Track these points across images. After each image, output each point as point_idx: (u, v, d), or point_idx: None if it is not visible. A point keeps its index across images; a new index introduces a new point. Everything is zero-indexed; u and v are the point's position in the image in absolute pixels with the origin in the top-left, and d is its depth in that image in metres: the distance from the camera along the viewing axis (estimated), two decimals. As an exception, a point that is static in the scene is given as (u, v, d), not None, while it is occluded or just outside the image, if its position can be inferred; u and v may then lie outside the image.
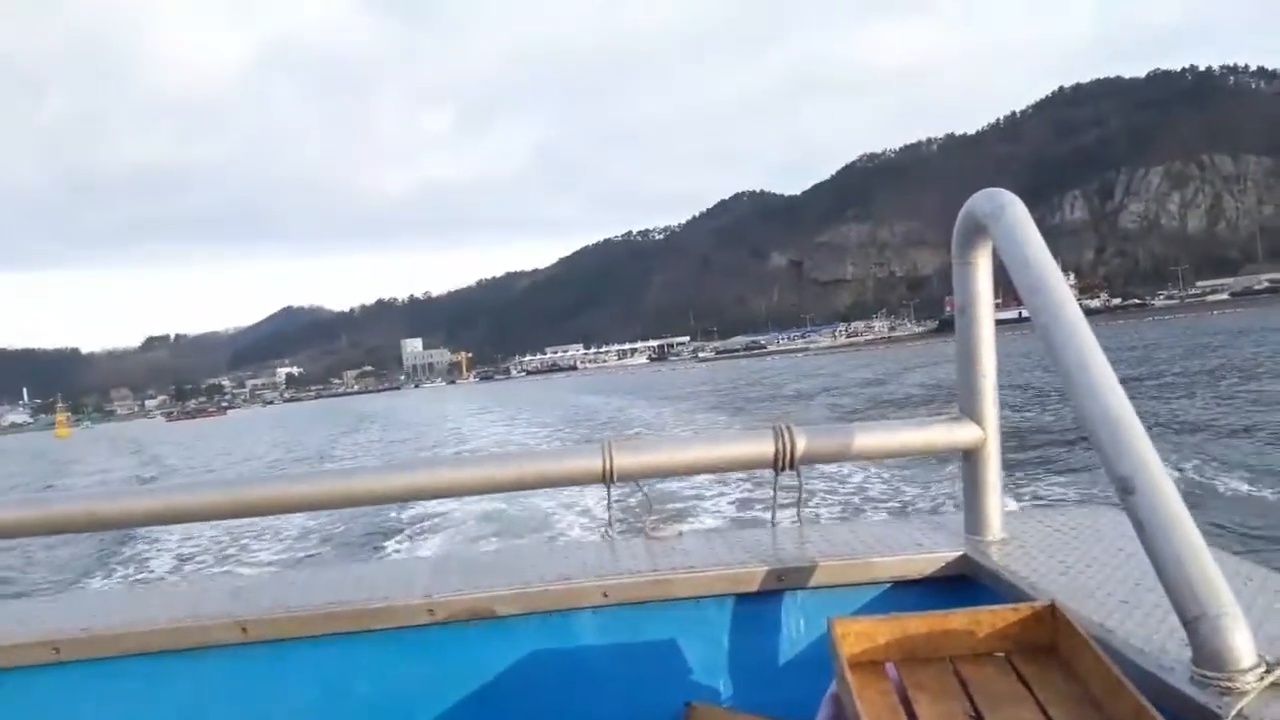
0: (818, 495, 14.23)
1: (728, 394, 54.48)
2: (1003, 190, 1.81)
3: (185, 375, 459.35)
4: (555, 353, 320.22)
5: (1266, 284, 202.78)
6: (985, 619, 1.44)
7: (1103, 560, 1.84)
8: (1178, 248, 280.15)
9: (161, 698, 2.02)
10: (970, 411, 2.04)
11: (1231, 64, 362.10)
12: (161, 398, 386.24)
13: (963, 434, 2.04)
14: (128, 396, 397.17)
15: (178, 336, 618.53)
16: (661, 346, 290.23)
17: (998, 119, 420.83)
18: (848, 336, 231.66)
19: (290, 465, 35.96)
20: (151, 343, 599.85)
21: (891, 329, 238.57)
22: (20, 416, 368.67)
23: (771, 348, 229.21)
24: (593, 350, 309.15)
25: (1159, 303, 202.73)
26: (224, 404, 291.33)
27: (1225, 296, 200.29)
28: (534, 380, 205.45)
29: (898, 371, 58.98)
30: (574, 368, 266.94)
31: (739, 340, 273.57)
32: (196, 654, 2.01)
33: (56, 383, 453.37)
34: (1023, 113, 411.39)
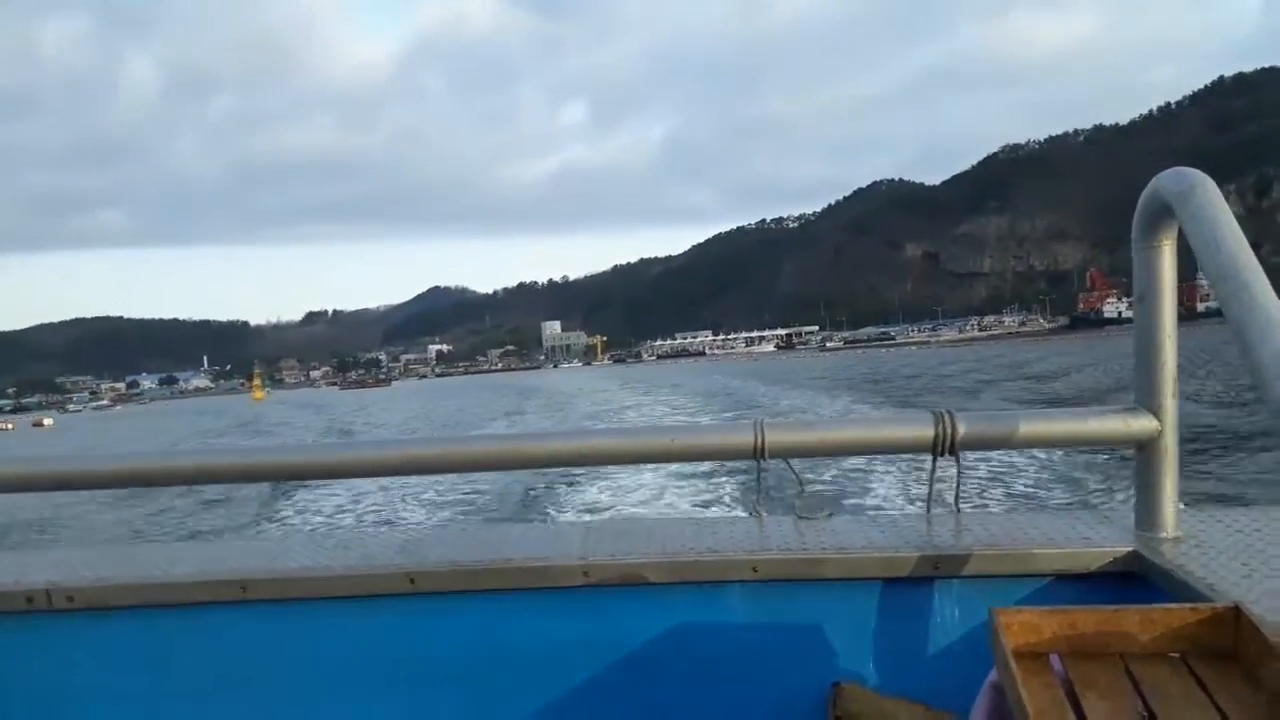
0: (973, 485, 14.39)
1: (839, 380, 63.40)
2: (1192, 169, 1.69)
3: (342, 348, 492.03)
4: (685, 338, 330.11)
5: None
6: (1160, 618, 1.38)
7: None
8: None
9: (336, 639, 2.16)
10: (1147, 402, 1.96)
11: None
12: (325, 368, 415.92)
13: (1138, 426, 1.96)
14: (294, 366, 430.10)
15: (335, 312, 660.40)
16: (789, 335, 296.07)
17: (1150, 110, 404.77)
18: (980, 330, 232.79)
19: (471, 428, 45.59)
20: (311, 317, 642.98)
21: (1021, 324, 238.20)
22: (203, 382, 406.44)
23: (900, 339, 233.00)
24: (720, 337, 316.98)
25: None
26: (382, 376, 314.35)
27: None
28: (664, 364, 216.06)
29: (1004, 364, 66.25)
30: (702, 353, 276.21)
31: (868, 331, 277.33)
32: (367, 601, 2.14)
33: (229, 352, 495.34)
34: (1178, 104, 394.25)
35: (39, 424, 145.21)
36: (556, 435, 2.29)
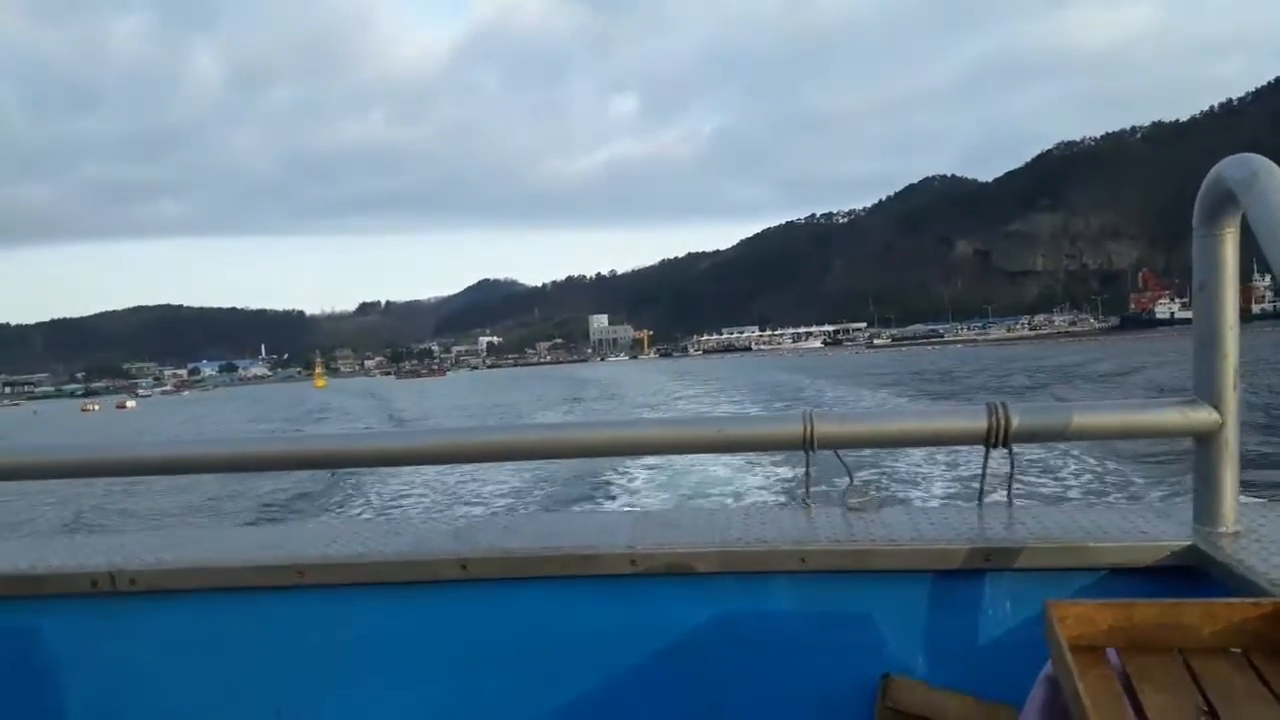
0: (1026, 479, 14.32)
1: (878, 375, 65.84)
2: (1257, 155, 1.64)
3: (395, 338, 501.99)
4: (731, 334, 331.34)
5: None
6: (1221, 612, 1.36)
7: None
8: None
9: (388, 625, 2.19)
10: (1206, 394, 1.92)
11: None
12: (379, 358, 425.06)
13: (1197, 418, 1.92)
14: (349, 356, 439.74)
15: (388, 303, 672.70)
16: (836, 332, 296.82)
17: (1211, 106, 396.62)
18: (1030, 329, 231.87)
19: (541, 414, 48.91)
20: (365, 308, 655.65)
21: (1071, 324, 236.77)
22: (261, 369, 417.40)
23: (947, 337, 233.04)
24: (767, 333, 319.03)
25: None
26: (435, 366, 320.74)
27: None
28: (710, 359, 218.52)
29: (1046, 364, 68.21)
30: (748, 349, 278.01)
31: (915, 328, 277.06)
32: (421, 587, 2.17)
33: (286, 341, 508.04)
34: (1240, 100, 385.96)
35: (122, 406, 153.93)
36: (607, 425, 2.31)
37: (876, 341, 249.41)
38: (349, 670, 2.19)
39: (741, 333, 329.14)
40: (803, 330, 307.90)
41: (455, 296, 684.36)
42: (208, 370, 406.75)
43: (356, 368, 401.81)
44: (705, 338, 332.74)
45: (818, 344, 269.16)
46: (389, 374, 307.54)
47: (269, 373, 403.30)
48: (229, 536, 2.68)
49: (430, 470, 18.28)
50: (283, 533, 2.73)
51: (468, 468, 17.33)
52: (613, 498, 15.67)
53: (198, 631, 2.21)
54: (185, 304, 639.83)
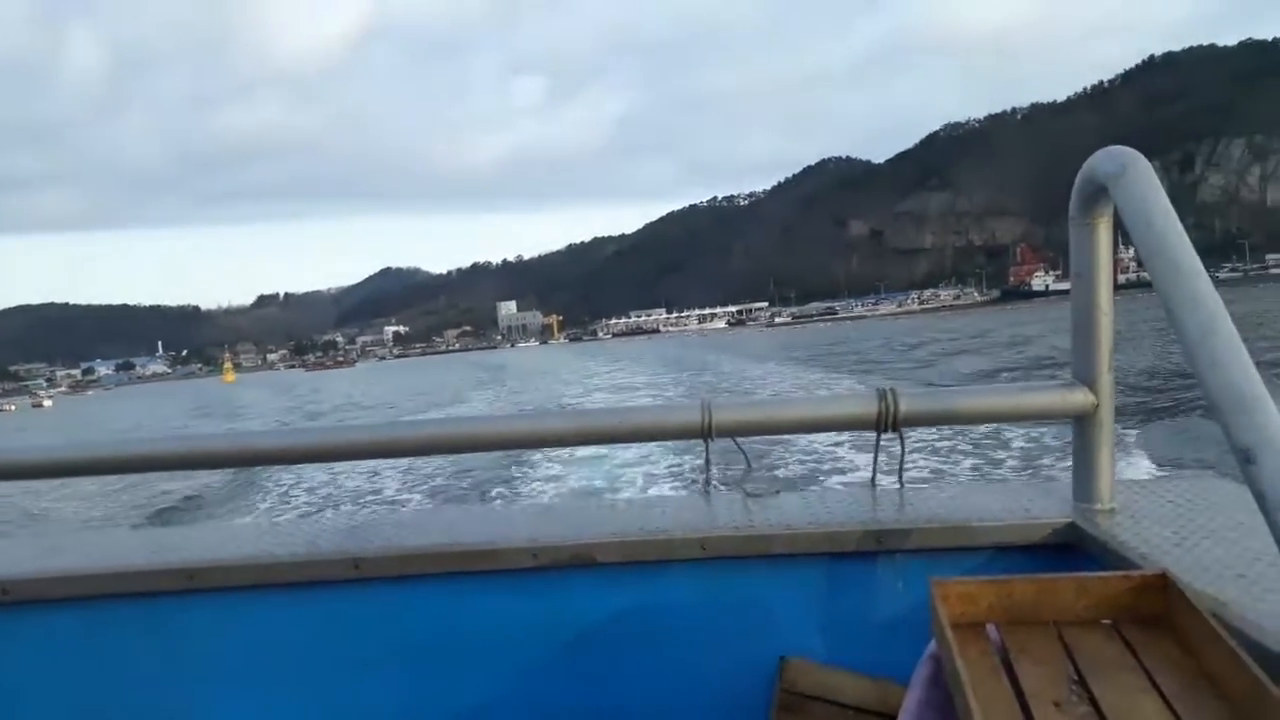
0: (919, 459, 14.72)
1: (776, 348, 72.15)
2: (1126, 149, 1.71)
3: (296, 331, 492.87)
4: (639, 316, 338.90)
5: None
6: (1093, 586, 1.43)
7: (1219, 533, 1.80)
8: (1256, 220, 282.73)
9: (280, 627, 2.15)
10: (1083, 377, 2.01)
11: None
12: (282, 351, 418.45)
13: (1074, 399, 2.00)
14: (251, 350, 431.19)
15: (286, 295, 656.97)
16: (740, 312, 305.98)
17: (1085, 88, 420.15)
18: (919, 304, 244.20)
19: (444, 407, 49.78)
20: (263, 300, 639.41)
21: (956, 297, 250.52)
22: (160, 367, 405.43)
23: (843, 314, 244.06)
24: (674, 315, 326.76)
25: (1223, 275, 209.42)
26: (341, 357, 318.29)
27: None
28: (619, 342, 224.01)
29: (927, 334, 75.51)
30: (656, 330, 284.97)
31: (814, 306, 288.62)
32: (314, 588, 2.14)
33: (182, 337, 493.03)
34: (1111, 82, 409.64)
35: (38, 405, 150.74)
36: (506, 418, 2.33)
37: (777, 320, 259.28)
38: (243, 674, 2.15)
39: (649, 315, 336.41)
40: (708, 311, 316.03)
41: (357, 286, 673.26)
42: (103, 369, 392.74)
43: (259, 362, 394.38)
44: (614, 321, 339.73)
45: (722, 324, 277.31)
46: (294, 367, 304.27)
47: (168, 370, 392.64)
48: (114, 540, 2.57)
49: (323, 469, 17.80)
50: (171, 536, 2.61)
51: (363, 465, 16.80)
52: (515, 491, 15.64)
53: (83, 642, 2.14)
54: (73, 302, 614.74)
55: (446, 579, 2.11)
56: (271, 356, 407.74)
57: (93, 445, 2.24)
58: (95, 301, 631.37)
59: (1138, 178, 1.64)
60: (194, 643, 2.15)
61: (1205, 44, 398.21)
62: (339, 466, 17.05)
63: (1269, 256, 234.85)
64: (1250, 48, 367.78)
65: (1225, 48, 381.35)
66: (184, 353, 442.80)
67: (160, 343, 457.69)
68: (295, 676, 2.15)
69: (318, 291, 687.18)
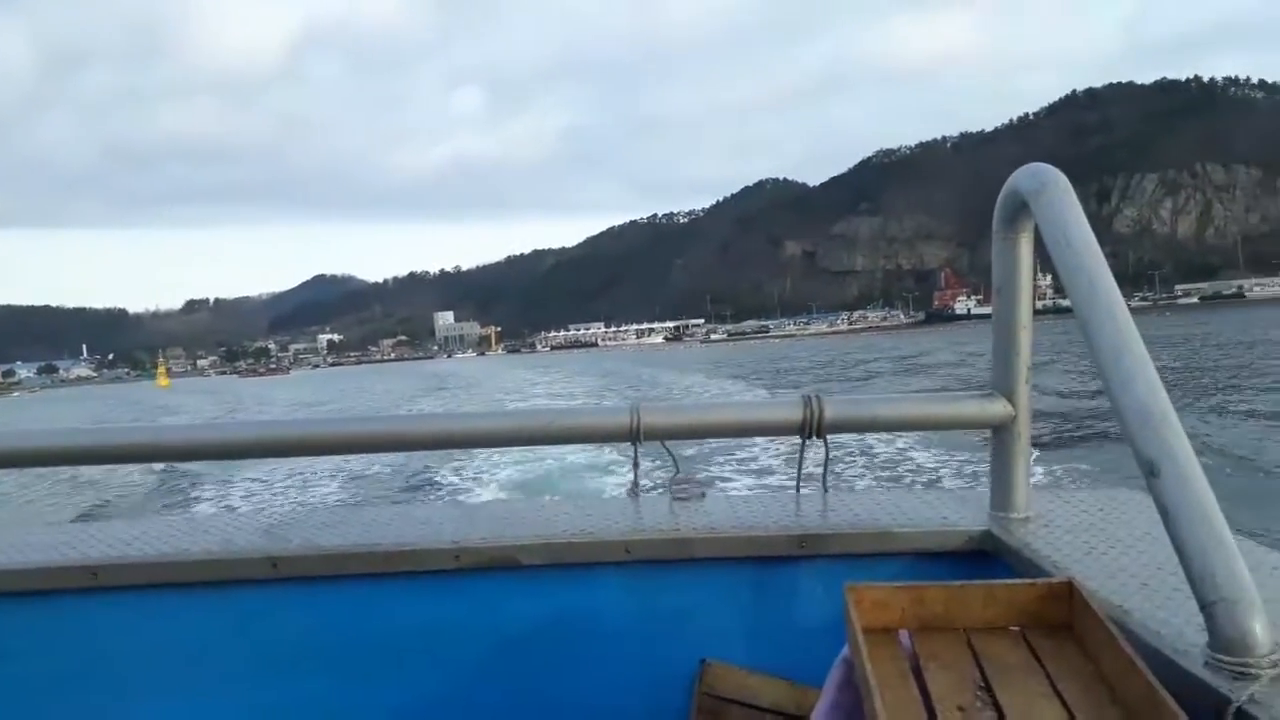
0: (848, 466, 14.87)
1: (708, 363, 76.13)
2: (1048, 166, 1.77)
3: (227, 337, 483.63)
4: (578, 330, 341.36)
5: (1235, 289, 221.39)
6: (1002, 593, 1.45)
7: (1127, 542, 1.85)
8: (1166, 252, 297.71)
9: (193, 627, 2.08)
10: (1002, 388, 2.04)
11: (1234, 75, 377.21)
12: (212, 358, 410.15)
13: (993, 410, 2.03)
14: (181, 355, 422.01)
15: (217, 300, 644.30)
16: (678, 328, 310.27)
17: (1012, 119, 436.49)
18: (848, 324, 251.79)
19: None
20: (192, 305, 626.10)
21: (883, 319, 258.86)
22: (86, 370, 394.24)
23: (775, 332, 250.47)
24: (612, 329, 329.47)
25: (1134, 303, 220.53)
26: (275, 365, 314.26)
27: (1195, 300, 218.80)
28: (557, 354, 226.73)
29: (850, 353, 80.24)
30: (594, 344, 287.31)
31: (749, 324, 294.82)
32: (227, 588, 2.07)
33: (108, 340, 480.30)
34: (1036, 114, 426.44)
35: None
36: (432, 417, 2.29)
37: (713, 337, 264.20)
38: (154, 676, 2.08)
39: (588, 329, 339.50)
40: (645, 326, 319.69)
41: (289, 293, 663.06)
42: (24, 372, 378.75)
43: (189, 367, 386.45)
44: (553, 334, 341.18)
45: (660, 340, 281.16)
46: (225, 373, 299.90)
47: (94, 374, 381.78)
48: (13, 537, 2.44)
49: (240, 465, 17.38)
50: (76, 532, 2.50)
51: (283, 462, 16.67)
52: (440, 492, 15.44)
53: None
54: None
55: (367, 580, 2.08)
56: (202, 363, 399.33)
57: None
58: (14, 302, 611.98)
59: (1057, 194, 1.69)
60: (100, 644, 2.07)
61: (1125, 81, 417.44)
62: (257, 463, 16.50)
63: (1178, 287, 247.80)
64: (1165, 87, 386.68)
65: (1142, 85, 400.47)
66: (110, 356, 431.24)
67: (85, 346, 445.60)
68: (209, 678, 2.08)
69: (249, 297, 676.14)
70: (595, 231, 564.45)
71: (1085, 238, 1.59)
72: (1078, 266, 1.54)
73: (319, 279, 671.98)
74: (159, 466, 18.49)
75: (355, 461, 17.04)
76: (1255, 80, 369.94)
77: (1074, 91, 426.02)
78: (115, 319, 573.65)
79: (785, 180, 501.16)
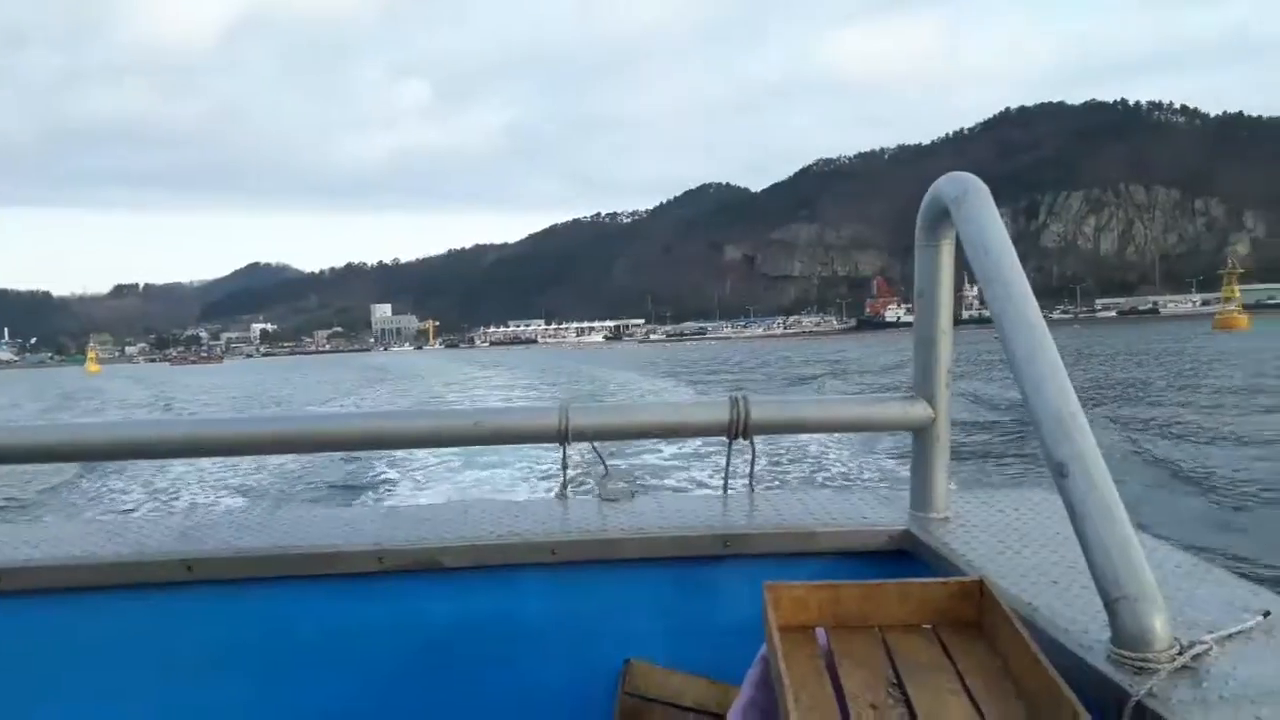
0: (781, 466, 14.89)
1: (645, 363, 78.50)
2: (969, 175, 1.80)
3: (156, 324, 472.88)
4: (518, 326, 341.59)
5: (1150, 305, 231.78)
6: (915, 591, 1.48)
7: (1040, 541, 1.90)
8: (1089, 267, 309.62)
9: (103, 633, 2.02)
10: (923, 392, 2.08)
11: (1158, 100, 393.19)
12: (141, 344, 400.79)
13: (914, 413, 2.08)
14: (108, 341, 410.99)
15: (146, 286, 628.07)
16: (618, 327, 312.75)
17: (948, 133, 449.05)
18: (783, 329, 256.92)
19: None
20: (121, 290, 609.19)
21: (817, 324, 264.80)
22: (7, 354, 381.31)
23: (712, 334, 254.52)
24: (553, 327, 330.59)
25: (1055, 315, 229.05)
26: (206, 353, 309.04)
27: (1113, 314, 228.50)
28: (496, 350, 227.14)
29: (773, 355, 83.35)
30: (534, 341, 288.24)
31: (688, 326, 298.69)
32: (140, 591, 2.01)
33: (30, 324, 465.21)
34: (971, 130, 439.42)
35: None
36: (355, 416, 2.23)
37: (652, 337, 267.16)
38: (61, 684, 2.00)
39: (528, 326, 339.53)
40: (586, 325, 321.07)
41: (222, 280, 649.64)
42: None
43: (117, 354, 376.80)
44: (492, 330, 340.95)
45: (600, 338, 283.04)
46: (154, 360, 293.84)
47: (15, 358, 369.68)
48: None
49: (153, 465, 16.80)
50: None
51: (197, 462, 16.39)
52: (360, 494, 15.03)
53: None
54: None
55: (286, 583, 2.04)
56: (130, 349, 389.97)
57: None
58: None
59: (977, 202, 1.72)
60: (4, 650, 1.99)
61: (1055, 101, 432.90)
62: (171, 462, 15.67)
63: (1098, 301, 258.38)
64: (1094, 108, 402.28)
65: (1072, 106, 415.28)
66: (33, 340, 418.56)
67: (5, 329, 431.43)
68: (122, 684, 2.01)
69: (180, 284, 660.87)
70: (538, 228, 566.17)
71: (1003, 245, 1.62)
72: (995, 274, 1.58)
73: (253, 267, 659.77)
74: (67, 465, 16.77)
75: (274, 460, 16.59)
76: (1177, 105, 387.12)
77: (1007, 109, 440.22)
78: (39, 302, 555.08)
79: (728, 185, 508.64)
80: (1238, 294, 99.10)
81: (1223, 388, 29.45)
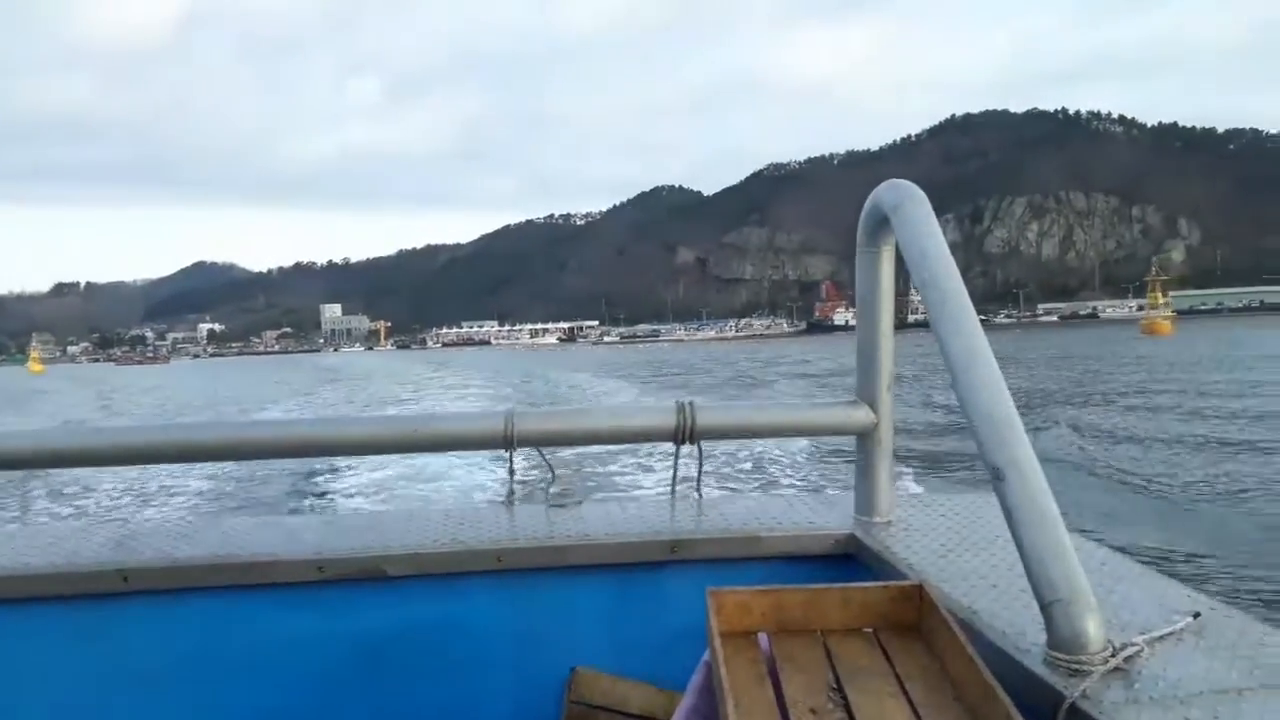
0: (731, 470, 15.17)
1: (598, 365, 79.97)
2: (908, 182, 1.84)
3: (99, 323, 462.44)
4: (471, 327, 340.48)
5: (1090, 309, 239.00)
6: (856, 596, 1.50)
7: (981, 545, 1.93)
8: (1032, 272, 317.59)
9: (36, 645, 1.97)
10: (866, 397, 2.10)
11: (1097, 110, 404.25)
12: (84, 344, 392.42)
13: (857, 418, 2.10)
14: (50, 341, 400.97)
15: (88, 284, 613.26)
16: (571, 329, 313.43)
17: (895, 140, 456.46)
18: (735, 331, 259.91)
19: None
20: (61, 289, 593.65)
21: (767, 327, 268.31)
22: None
23: (665, 337, 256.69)
24: (506, 328, 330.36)
25: (999, 320, 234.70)
26: (152, 354, 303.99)
27: (1055, 319, 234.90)
28: (448, 351, 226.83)
29: (727, 358, 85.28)
30: (487, 343, 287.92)
31: (642, 328, 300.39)
32: (74, 602, 1.97)
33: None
34: (918, 136, 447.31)
35: None
36: (295, 423, 2.20)
37: (606, 339, 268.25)
38: None
39: (481, 327, 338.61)
40: (540, 326, 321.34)
41: (167, 279, 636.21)
42: None
43: (59, 354, 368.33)
44: (445, 331, 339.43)
45: (553, 340, 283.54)
46: (97, 360, 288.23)
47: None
48: None
49: (87, 472, 15.92)
50: None
51: (132, 469, 16.00)
52: (301, 501, 14.80)
53: None
54: None
55: (224, 592, 2.00)
56: (73, 349, 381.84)
57: None
58: None
59: (914, 209, 1.77)
60: None
61: (999, 109, 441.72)
62: (104, 470, 15.12)
63: (1040, 306, 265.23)
64: (1036, 116, 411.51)
65: (1015, 114, 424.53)
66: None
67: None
68: (56, 698, 1.97)
69: (124, 283, 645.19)
70: (491, 229, 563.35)
71: (940, 251, 1.65)
72: (933, 279, 1.61)
73: (199, 266, 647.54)
74: None
75: (213, 467, 16.37)
76: (1116, 115, 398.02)
77: (953, 116, 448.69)
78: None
79: (681, 188, 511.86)
80: (1161, 300, 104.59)
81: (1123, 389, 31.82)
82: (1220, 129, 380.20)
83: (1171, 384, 33.51)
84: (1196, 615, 1.42)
